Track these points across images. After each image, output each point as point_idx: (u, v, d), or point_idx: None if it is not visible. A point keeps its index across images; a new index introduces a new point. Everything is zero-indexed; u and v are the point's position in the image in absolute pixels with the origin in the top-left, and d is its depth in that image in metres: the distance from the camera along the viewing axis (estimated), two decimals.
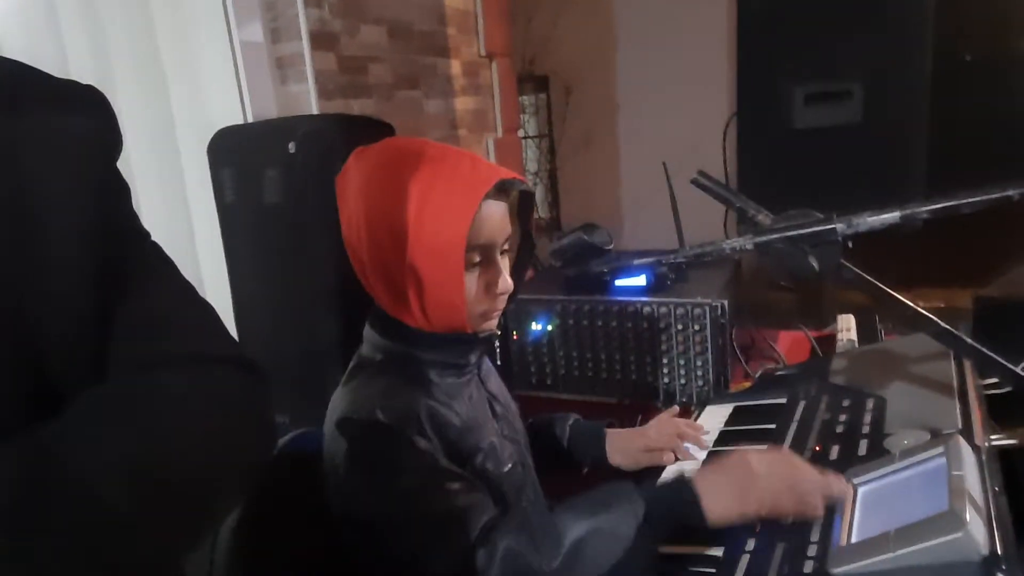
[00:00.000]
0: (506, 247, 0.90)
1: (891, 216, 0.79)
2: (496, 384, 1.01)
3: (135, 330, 0.51)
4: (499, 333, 0.98)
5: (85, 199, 0.51)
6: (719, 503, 0.76)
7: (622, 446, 1.09)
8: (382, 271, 0.85)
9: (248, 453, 0.53)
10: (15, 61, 0.52)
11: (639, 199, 3.02)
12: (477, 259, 0.86)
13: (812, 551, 0.72)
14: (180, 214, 1.58)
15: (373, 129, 1.43)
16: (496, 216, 0.86)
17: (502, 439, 0.93)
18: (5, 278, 0.46)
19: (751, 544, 0.77)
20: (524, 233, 0.96)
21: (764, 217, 0.89)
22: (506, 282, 0.88)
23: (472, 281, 0.86)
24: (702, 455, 1.05)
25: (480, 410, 0.93)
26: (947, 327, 0.77)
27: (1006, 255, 1.40)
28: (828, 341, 1.53)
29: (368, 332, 0.92)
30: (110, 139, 0.55)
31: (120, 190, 0.56)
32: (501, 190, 0.86)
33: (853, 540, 0.70)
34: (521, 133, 2.83)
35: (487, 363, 1.00)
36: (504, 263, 0.90)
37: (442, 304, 0.83)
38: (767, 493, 0.77)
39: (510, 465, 0.92)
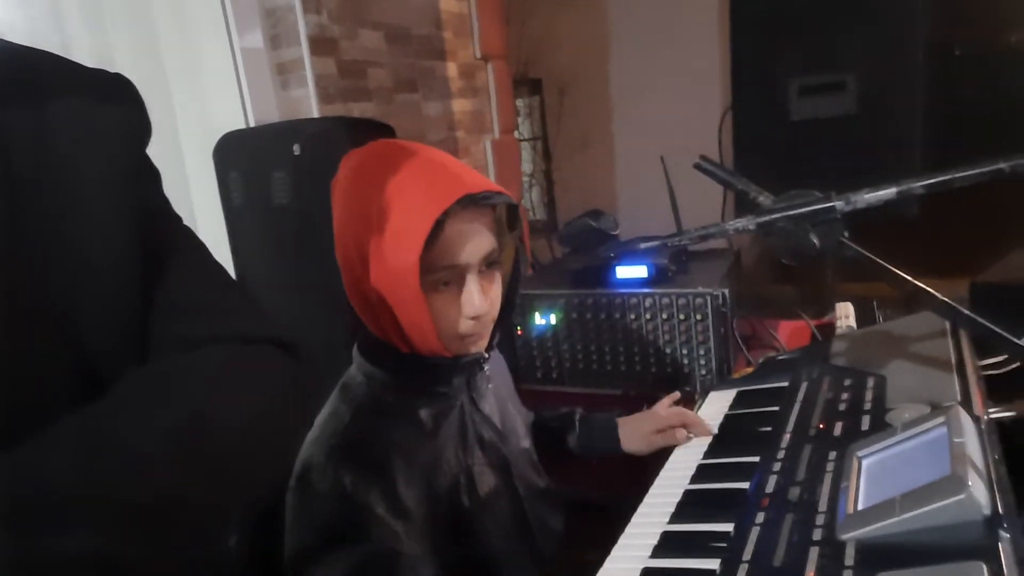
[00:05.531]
0: (492, 261, 0.84)
1: (887, 192, 0.81)
2: (491, 404, 0.96)
3: (175, 310, 0.53)
4: (487, 356, 0.90)
5: (118, 182, 0.52)
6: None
7: (634, 432, 1.11)
8: (355, 289, 0.83)
9: (287, 429, 0.55)
10: (45, 51, 0.53)
11: (635, 197, 3.05)
12: (446, 280, 0.81)
13: (820, 520, 0.74)
14: (185, 218, 1.60)
15: (375, 131, 1.46)
16: (466, 234, 0.79)
17: (484, 467, 0.89)
18: (42, 262, 0.48)
19: (760, 517, 0.79)
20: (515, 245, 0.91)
21: (765, 198, 0.92)
22: (472, 305, 0.81)
23: (445, 302, 0.81)
24: (707, 440, 1.07)
25: (462, 439, 0.88)
26: (947, 300, 0.79)
27: (1000, 246, 1.42)
28: (828, 329, 1.56)
29: (355, 352, 0.90)
30: (139, 124, 0.57)
31: (151, 175, 0.57)
32: (477, 204, 0.79)
33: (859, 508, 0.72)
34: (516, 135, 2.86)
35: (490, 377, 0.95)
36: (493, 277, 0.85)
37: (413, 326, 0.79)
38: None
39: (490, 496, 0.88)
